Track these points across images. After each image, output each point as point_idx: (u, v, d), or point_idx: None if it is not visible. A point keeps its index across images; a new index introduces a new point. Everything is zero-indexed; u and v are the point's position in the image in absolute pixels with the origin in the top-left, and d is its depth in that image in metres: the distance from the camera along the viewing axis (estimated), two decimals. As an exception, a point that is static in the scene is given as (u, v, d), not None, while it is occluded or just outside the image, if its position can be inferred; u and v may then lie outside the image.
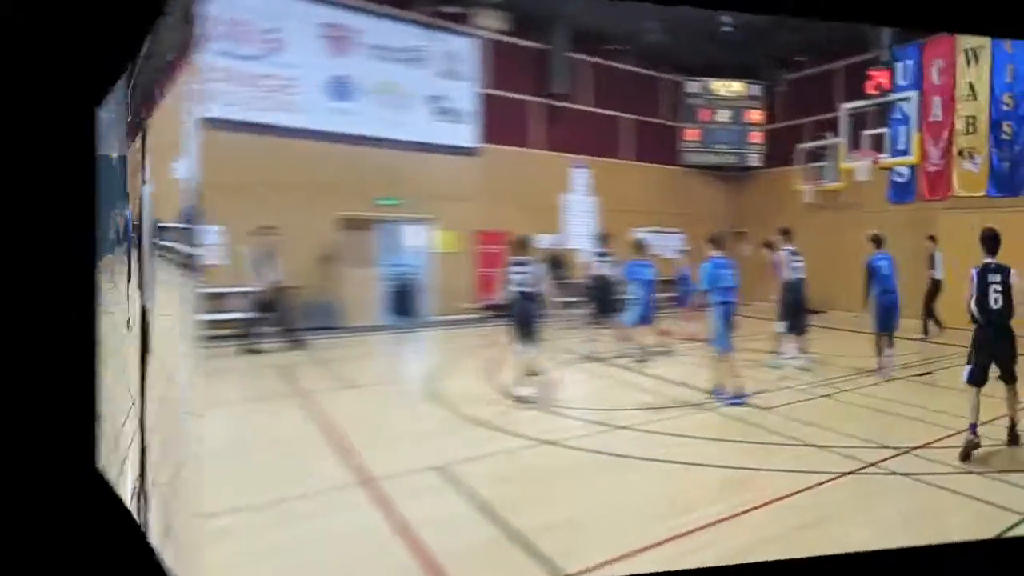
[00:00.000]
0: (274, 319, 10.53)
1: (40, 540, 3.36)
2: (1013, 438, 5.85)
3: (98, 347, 3.91)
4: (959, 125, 14.01)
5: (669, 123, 19.44)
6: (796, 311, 9.85)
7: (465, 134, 14.84)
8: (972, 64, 13.61)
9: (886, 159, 14.21)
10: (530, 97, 16.28)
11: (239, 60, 11.72)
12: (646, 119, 18.88)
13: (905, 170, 15.13)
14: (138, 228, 3.92)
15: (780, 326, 9.86)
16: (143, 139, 3.96)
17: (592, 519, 4.55)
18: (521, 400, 7.60)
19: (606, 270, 10.28)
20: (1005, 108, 13.18)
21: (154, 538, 3.44)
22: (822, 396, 8.16)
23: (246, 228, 10.24)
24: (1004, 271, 5.81)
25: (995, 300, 5.75)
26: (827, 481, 5.14)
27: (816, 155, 17.54)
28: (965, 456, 5.65)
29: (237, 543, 3.92)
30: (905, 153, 14.62)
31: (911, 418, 7.07)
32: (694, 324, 11.29)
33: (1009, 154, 13.23)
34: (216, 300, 10.90)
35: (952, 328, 12.54)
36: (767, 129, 19.65)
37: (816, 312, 16.78)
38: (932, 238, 12.71)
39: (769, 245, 10.48)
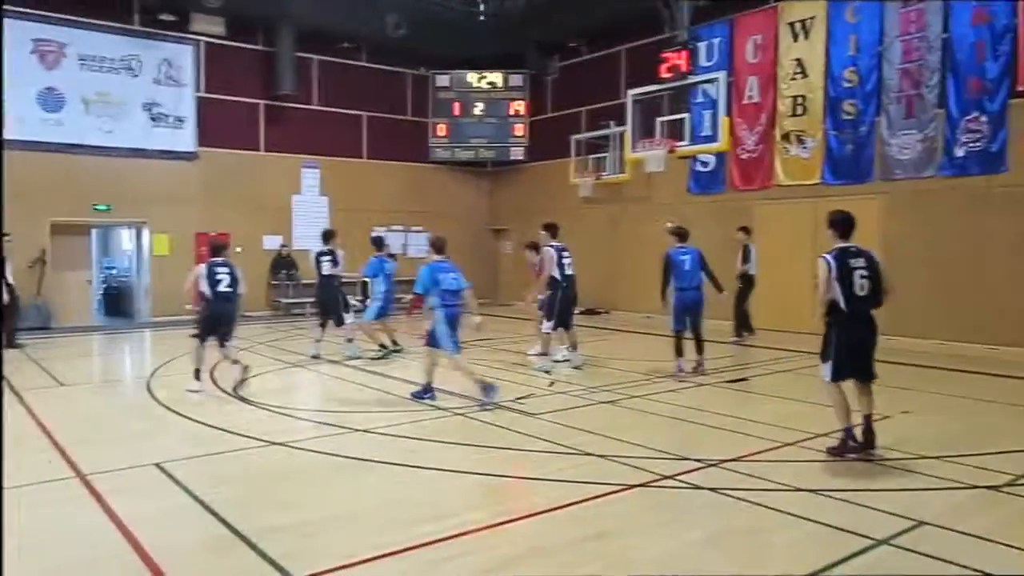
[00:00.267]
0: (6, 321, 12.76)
1: None
2: (869, 440, 6.44)
3: None
4: (783, 107, 15.50)
5: (420, 119, 21.99)
6: (564, 310, 10.90)
7: (184, 138, 18.29)
8: (801, 38, 15.13)
9: (685, 147, 14.82)
10: (254, 99, 19.29)
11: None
12: (393, 116, 21.54)
13: (711, 158, 16.12)
14: None
15: (547, 326, 10.80)
16: None
17: (326, 522, 4.96)
18: (193, 391, 9.22)
19: (327, 269, 11.98)
20: (847, 85, 14.55)
21: None
22: (603, 403, 8.76)
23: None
24: (866, 254, 6.39)
25: (861, 287, 6.29)
26: (612, 493, 5.47)
27: (597, 146, 19.01)
28: (838, 454, 6.34)
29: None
30: (711, 139, 15.54)
31: (718, 428, 7.68)
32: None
33: (852, 136, 14.57)
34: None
35: (765, 329, 13.63)
36: (535, 120, 21.70)
37: (598, 312, 17.69)
38: (745, 230, 14.00)
39: (533, 247, 11.70)
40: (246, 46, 18.86)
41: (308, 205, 19.88)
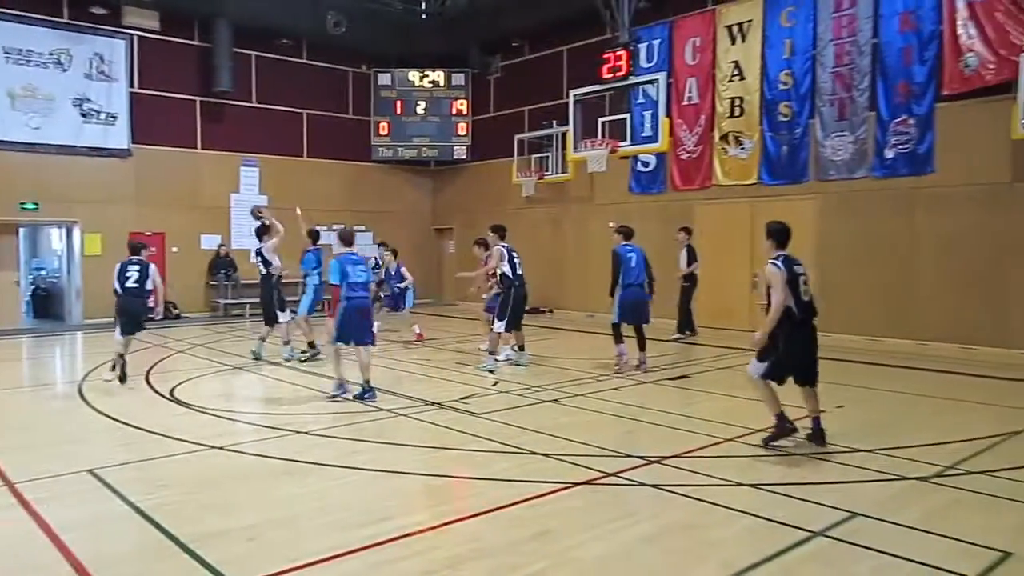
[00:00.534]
0: None
1: None
2: (817, 435, 6.64)
3: None
4: (722, 108, 15.76)
5: (362, 118, 21.83)
6: (517, 309, 10.97)
7: (117, 135, 17.73)
8: (738, 41, 15.41)
9: (626, 147, 14.99)
10: (190, 96, 18.88)
11: None
12: (334, 114, 21.36)
13: (651, 159, 16.31)
14: None
15: (499, 326, 10.82)
16: None
17: (266, 527, 4.85)
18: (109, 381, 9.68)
19: (262, 270, 11.84)
20: (783, 88, 14.88)
21: None
22: (547, 401, 8.78)
23: None
24: (800, 263, 6.62)
25: (805, 292, 6.53)
26: (556, 491, 5.51)
27: (540, 145, 19.14)
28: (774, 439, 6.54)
29: None
30: (652, 140, 15.77)
31: (660, 425, 7.77)
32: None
33: (788, 137, 14.91)
34: None
35: (704, 327, 13.86)
36: (478, 120, 21.77)
37: (541, 312, 17.79)
38: (686, 230, 14.29)
39: (482, 243, 11.80)
40: (181, 41, 18.41)
41: (247, 204, 19.13)
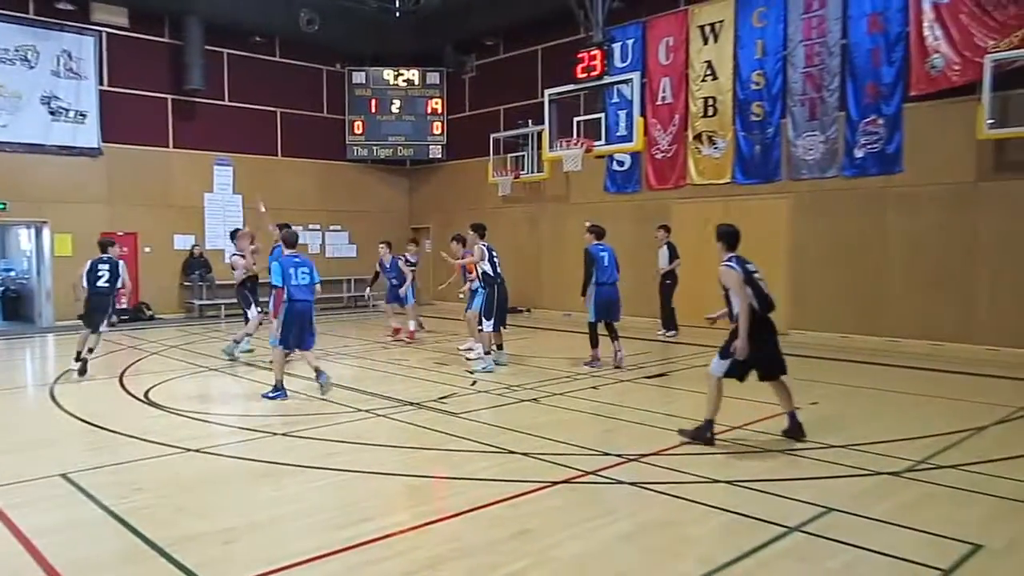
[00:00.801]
0: None
1: None
2: (795, 430, 6.73)
3: None
4: (695, 107, 15.86)
5: (336, 116, 21.67)
6: (501, 307, 10.98)
7: (86, 134, 17.42)
8: (711, 41, 15.51)
9: (601, 146, 15.05)
10: (161, 94, 18.62)
11: None
12: (308, 113, 21.18)
13: (626, 158, 16.36)
14: None
15: (487, 326, 10.78)
16: None
17: (244, 529, 4.81)
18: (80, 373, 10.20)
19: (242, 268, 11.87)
20: (755, 87, 15.01)
21: None
22: (526, 400, 8.79)
23: None
24: (751, 262, 6.70)
25: (763, 287, 6.56)
26: (536, 490, 5.52)
27: (516, 145, 19.13)
28: (691, 436, 6.63)
29: None
30: (626, 139, 15.88)
31: (638, 423, 7.78)
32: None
33: (760, 137, 15.05)
34: None
35: (682, 325, 13.96)
36: (453, 119, 21.73)
37: (519, 311, 17.83)
38: (666, 228, 14.40)
39: (460, 240, 11.93)
40: (151, 38, 18.15)
41: (221, 204, 19.32)
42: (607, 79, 14.84)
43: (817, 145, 13.64)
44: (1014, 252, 11.60)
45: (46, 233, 16.91)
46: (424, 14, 20.01)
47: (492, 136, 19.30)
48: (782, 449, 6.48)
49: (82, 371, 10.10)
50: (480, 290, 11.05)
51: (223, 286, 17.38)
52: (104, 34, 17.45)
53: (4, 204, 16.25)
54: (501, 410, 8.23)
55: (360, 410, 8.12)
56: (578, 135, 14.98)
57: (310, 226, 20.63)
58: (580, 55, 14.99)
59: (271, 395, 8.67)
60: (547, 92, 15.63)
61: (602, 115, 15.24)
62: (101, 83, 17.41)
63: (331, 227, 21.29)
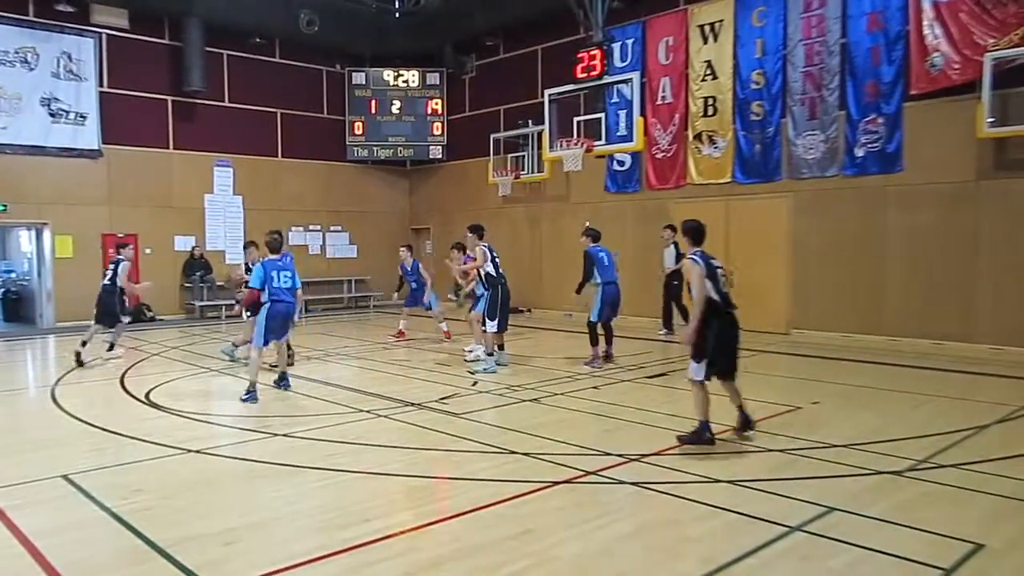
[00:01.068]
0: None
1: None
2: (746, 423, 6.86)
3: None
4: (695, 107, 15.83)
5: (336, 117, 21.64)
6: (504, 307, 10.99)
7: (87, 135, 17.43)
8: (710, 40, 15.48)
9: (602, 146, 15.04)
10: (161, 95, 18.58)
11: None
12: (308, 114, 21.15)
13: (626, 158, 16.34)
14: None
15: (491, 326, 10.79)
16: None
17: (246, 530, 4.81)
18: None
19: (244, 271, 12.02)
20: (755, 87, 14.97)
21: None
22: (527, 400, 8.78)
23: None
24: (715, 258, 6.87)
25: (724, 283, 6.77)
26: (537, 490, 5.52)
27: (516, 145, 19.12)
28: (690, 442, 6.61)
29: None
30: (626, 139, 15.88)
31: (639, 423, 7.76)
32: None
33: (760, 136, 15.01)
34: None
35: (682, 325, 13.92)
36: (453, 119, 21.70)
37: (519, 311, 17.85)
38: (672, 228, 14.28)
39: (460, 247, 12.03)
40: (151, 40, 18.11)
41: (221, 205, 19.31)
42: (607, 79, 14.83)
43: (817, 144, 13.62)
44: (1015, 250, 11.58)
45: (47, 235, 16.90)
46: (424, 14, 19.97)
47: (492, 136, 19.26)
48: (783, 448, 6.47)
49: (79, 362, 11.11)
50: (483, 291, 11.03)
51: (223, 287, 17.43)
52: (104, 35, 17.42)
53: (4, 206, 16.24)
54: (502, 410, 8.24)
55: (361, 410, 8.11)
56: (578, 135, 14.97)
57: (311, 227, 20.68)
58: (580, 55, 14.97)
59: (244, 397, 8.70)
60: (547, 92, 15.62)
61: (602, 115, 15.22)
62: (101, 84, 17.38)
63: (331, 228, 21.25)
